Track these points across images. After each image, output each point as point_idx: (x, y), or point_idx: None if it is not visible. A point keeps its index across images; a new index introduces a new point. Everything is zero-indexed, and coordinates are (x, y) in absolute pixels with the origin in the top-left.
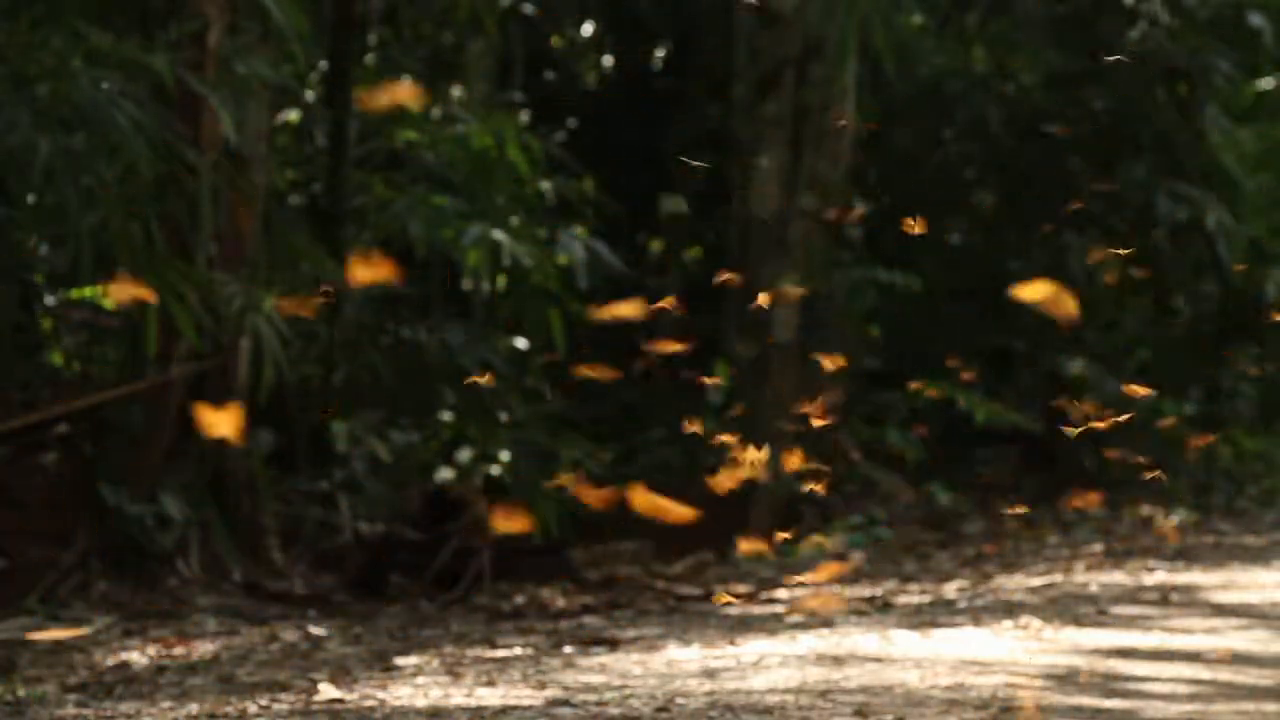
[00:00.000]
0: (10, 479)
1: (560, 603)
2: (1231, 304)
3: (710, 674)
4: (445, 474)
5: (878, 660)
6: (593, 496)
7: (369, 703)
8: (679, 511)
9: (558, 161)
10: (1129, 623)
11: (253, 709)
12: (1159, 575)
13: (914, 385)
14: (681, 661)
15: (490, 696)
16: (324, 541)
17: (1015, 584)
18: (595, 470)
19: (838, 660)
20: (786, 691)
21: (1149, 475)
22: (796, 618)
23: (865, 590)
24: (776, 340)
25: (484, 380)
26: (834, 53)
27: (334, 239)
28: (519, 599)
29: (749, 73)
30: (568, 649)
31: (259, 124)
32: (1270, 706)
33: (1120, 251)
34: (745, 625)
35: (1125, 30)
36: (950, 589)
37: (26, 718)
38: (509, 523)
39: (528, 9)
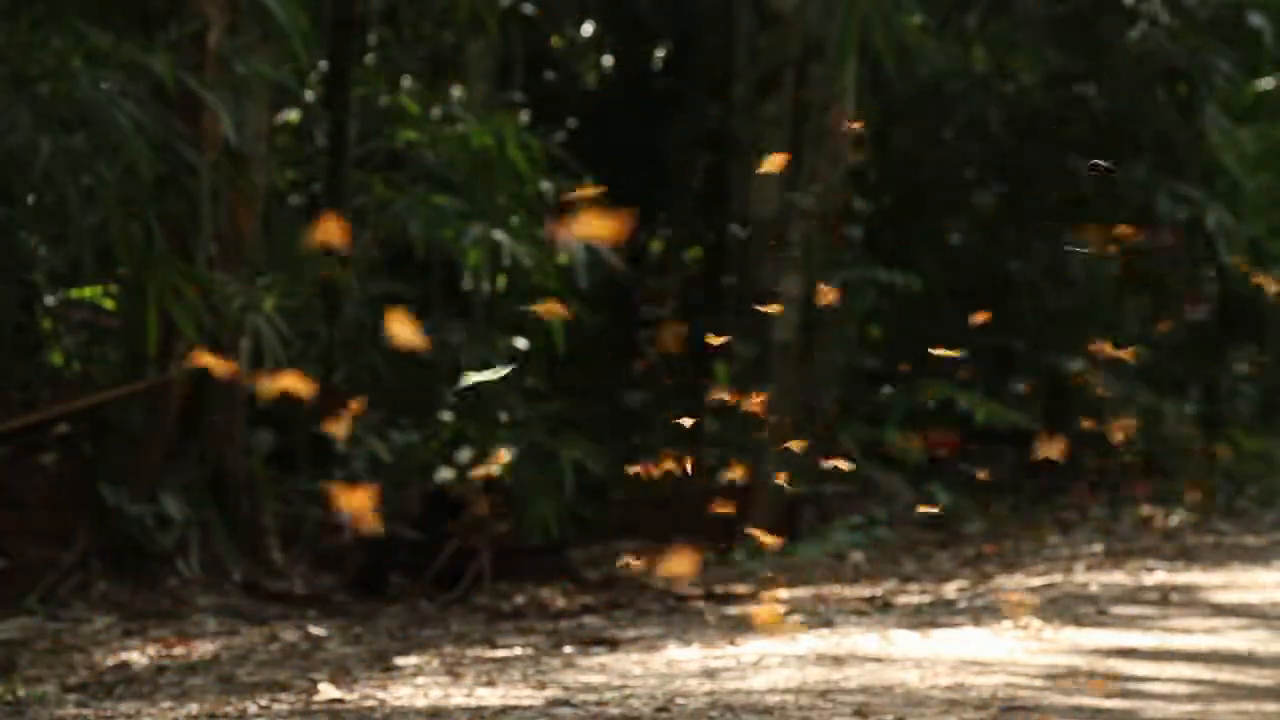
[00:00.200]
0: (10, 479)
1: (560, 603)
2: (1231, 304)
3: (710, 674)
4: (445, 474)
5: (878, 660)
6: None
7: (369, 703)
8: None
9: (558, 161)
10: (1129, 623)
11: (253, 709)
12: (1159, 575)
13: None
14: (681, 661)
15: (490, 696)
16: (324, 541)
17: (1015, 584)
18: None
19: (838, 660)
20: (786, 691)
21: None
22: (798, 617)
23: (865, 590)
24: (776, 340)
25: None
26: (834, 53)
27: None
28: (519, 599)
29: (749, 73)
30: (568, 649)
31: (259, 124)
32: (1270, 706)
33: (1124, 232)
34: (745, 625)
35: (1125, 30)
36: (950, 589)
37: (26, 718)
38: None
39: (528, 9)
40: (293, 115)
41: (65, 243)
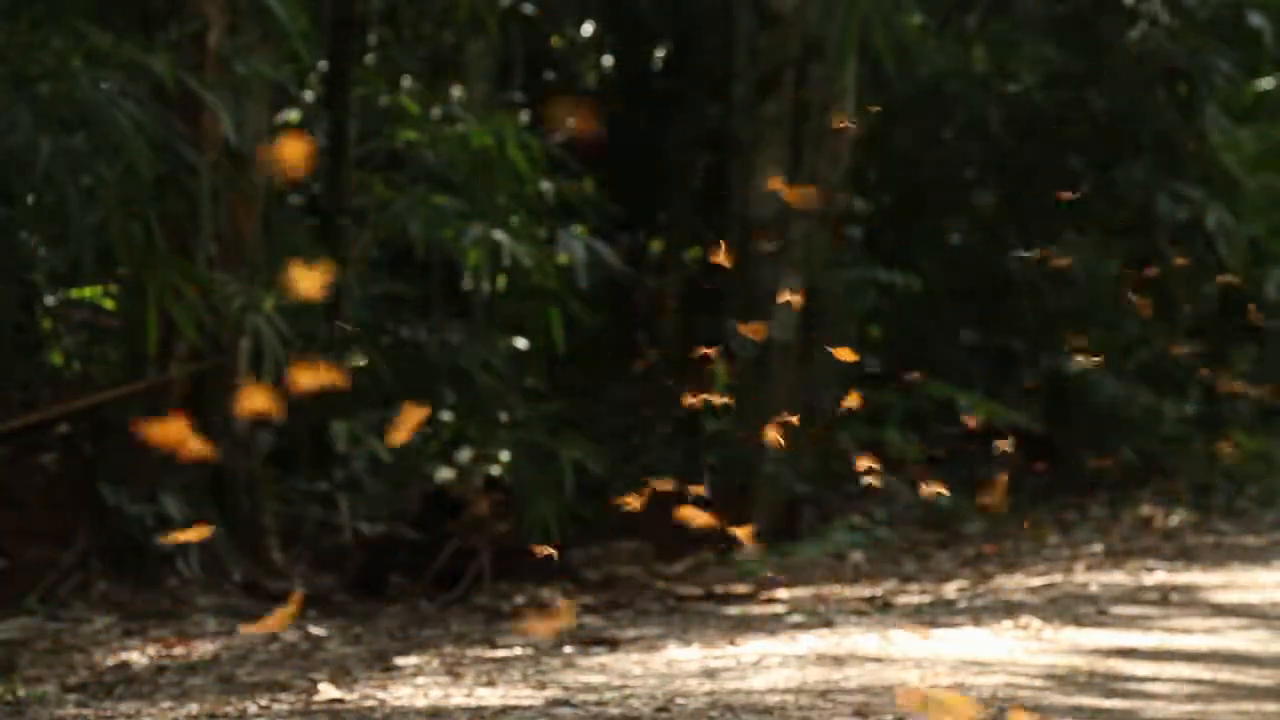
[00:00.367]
0: (10, 479)
1: (560, 603)
2: (1231, 304)
3: (710, 674)
4: (445, 474)
5: (878, 660)
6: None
7: (369, 703)
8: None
9: (558, 161)
10: (1129, 623)
11: (253, 709)
12: (1159, 575)
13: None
14: (681, 661)
15: (490, 696)
16: (324, 541)
17: (1015, 584)
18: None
19: (838, 660)
20: (786, 691)
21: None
22: (798, 617)
23: (865, 590)
24: (776, 340)
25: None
26: (834, 53)
27: (334, 239)
28: (519, 599)
29: (749, 73)
30: (568, 649)
31: (259, 124)
32: (1270, 706)
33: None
34: (745, 625)
35: (1125, 30)
36: (950, 589)
37: (26, 718)
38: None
39: (528, 9)
40: (293, 115)
41: (65, 243)
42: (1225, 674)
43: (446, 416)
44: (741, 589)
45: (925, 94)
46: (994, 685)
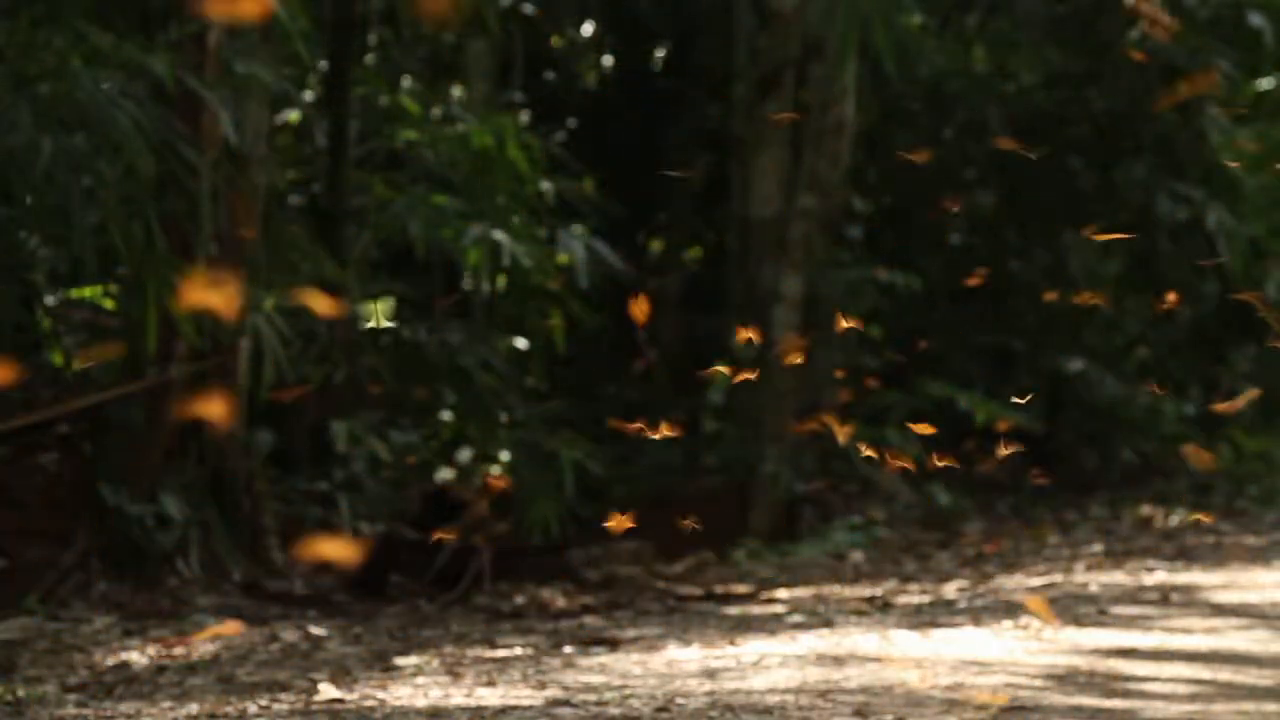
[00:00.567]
0: (10, 479)
1: (560, 603)
2: (1231, 304)
3: (710, 674)
4: (445, 474)
5: (878, 660)
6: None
7: (369, 703)
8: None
9: (558, 161)
10: (1129, 623)
11: (253, 709)
12: (1159, 575)
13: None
14: (681, 661)
15: (490, 696)
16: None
17: (1015, 584)
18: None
19: (838, 660)
20: (786, 691)
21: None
22: (798, 617)
23: (865, 590)
24: (776, 340)
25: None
26: (834, 53)
27: (334, 239)
28: (519, 599)
29: (749, 73)
30: (568, 649)
31: (259, 124)
32: (1270, 706)
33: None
34: (745, 625)
35: (1125, 30)
36: (950, 589)
37: (26, 718)
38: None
39: (528, 9)
40: (293, 115)
41: (65, 243)
42: (1225, 674)
43: (446, 416)
44: (741, 589)
45: (925, 94)
46: (994, 685)
